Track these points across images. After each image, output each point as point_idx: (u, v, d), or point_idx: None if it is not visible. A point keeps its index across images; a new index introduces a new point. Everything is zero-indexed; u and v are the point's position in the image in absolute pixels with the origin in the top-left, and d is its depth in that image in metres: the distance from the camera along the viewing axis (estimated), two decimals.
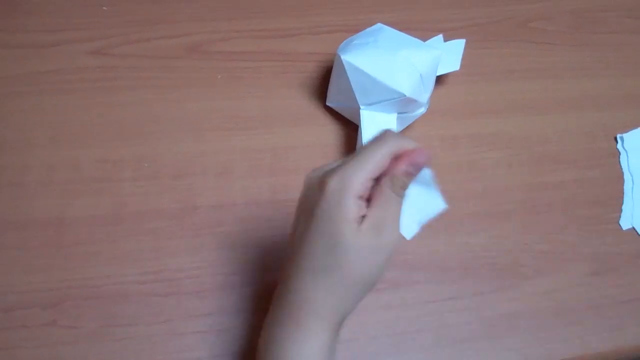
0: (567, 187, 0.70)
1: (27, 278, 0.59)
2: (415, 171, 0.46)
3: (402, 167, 0.45)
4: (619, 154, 0.73)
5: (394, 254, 0.46)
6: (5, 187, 0.63)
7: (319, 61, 0.75)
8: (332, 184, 0.44)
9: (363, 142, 0.63)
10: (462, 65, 0.76)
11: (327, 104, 0.70)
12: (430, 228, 0.64)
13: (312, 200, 0.45)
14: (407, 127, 0.70)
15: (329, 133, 0.70)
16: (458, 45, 0.75)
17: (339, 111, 0.70)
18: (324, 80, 0.74)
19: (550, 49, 0.82)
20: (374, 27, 0.69)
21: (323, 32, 0.78)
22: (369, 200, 0.46)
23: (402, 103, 0.65)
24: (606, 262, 0.66)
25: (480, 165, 0.71)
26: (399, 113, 0.66)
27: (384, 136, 0.46)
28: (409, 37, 0.68)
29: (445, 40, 0.76)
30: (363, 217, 0.45)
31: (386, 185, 0.45)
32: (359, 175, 0.44)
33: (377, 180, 0.46)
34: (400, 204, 0.46)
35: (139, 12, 0.77)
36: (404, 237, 0.49)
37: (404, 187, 0.46)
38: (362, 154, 0.45)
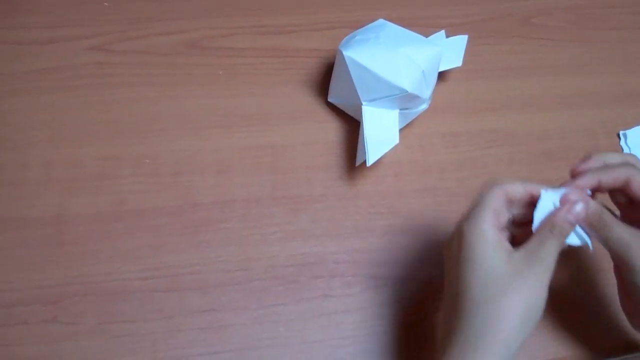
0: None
1: (27, 275, 0.58)
2: (575, 222, 0.49)
3: (561, 215, 0.48)
4: (622, 150, 0.73)
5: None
6: (5, 185, 0.63)
7: (319, 57, 0.75)
8: (466, 224, 0.49)
9: (365, 137, 0.62)
10: (463, 62, 0.76)
11: (329, 100, 0.70)
12: (431, 224, 0.65)
13: (455, 246, 0.49)
14: (409, 124, 0.70)
15: (330, 130, 0.69)
16: (460, 42, 0.74)
17: (341, 107, 0.70)
18: (324, 77, 0.74)
19: (551, 46, 0.82)
20: (375, 22, 0.69)
21: (323, 28, 0.78)
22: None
23: (404, 99, 0.64)
24: (608, 260, 0.66)
25: (481, 162, 0.70)
26: (400, 109, 0.66)
27: (487, 184, 0.51)
28: (411, 33, 0.68)
29: (447, 37, 0.75)
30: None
31: (546, 229, 0.48)
32: (484, 211, 0.48)
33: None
34: (556, 246, 0.48)
35: (138, 8, 0.77)
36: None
37: (566, 234, 0.49)
38: (478, 200, 0.50)
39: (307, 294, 0.60)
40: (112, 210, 0.62)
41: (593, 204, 0.50)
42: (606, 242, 0.51)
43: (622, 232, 0.50)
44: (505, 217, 0.51)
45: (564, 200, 0.50)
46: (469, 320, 0.46)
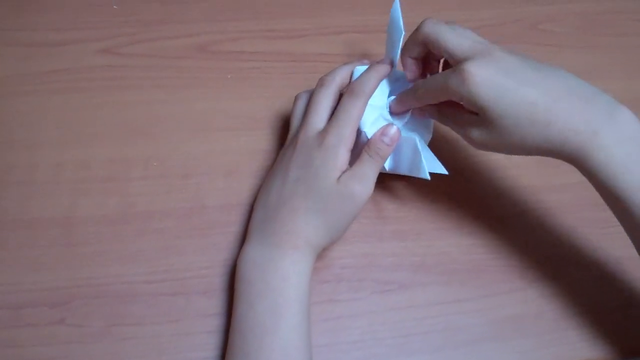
0: (573, 189, 0.70)
1: (35, 277, 0.59)
2: (390, 142, 0.58)
3: (374, 140, 0.58)
4: None
5: (362, 207, 0.56)
6: (14, 186, 0.64)
7: (328, 62, 0.75)
8: (331, 139, 0.56)
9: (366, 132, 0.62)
10: None
11: None
12: (438, 227, 0.65)
13: (311, 153, 0.57)
14: None
15: None
16: None
17: None
18: None
19: (559, 51, 0.82)
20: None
21: (332, 32, 0.78)
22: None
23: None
24: (613, 266, 0.66)
25: (487, 168, 0.70)
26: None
27: (320, 81, 0.62)
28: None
29: None
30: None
31: (364, 149, 0.57)
32: (349, 130, 0.56)
33: None
34: (374, 165, 0.57)
35: (148, 11, 0.77)
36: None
37: (379, 153, 0.57)
38: (312, 104, 0.60)
39: (314, 298, 0.60)
40: (121, 212, 0.63)
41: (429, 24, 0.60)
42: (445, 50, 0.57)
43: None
44: None
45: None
46: (282, 224, 0.56)
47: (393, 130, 0.58)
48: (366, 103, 0.58)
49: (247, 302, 0.54)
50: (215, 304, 0.59)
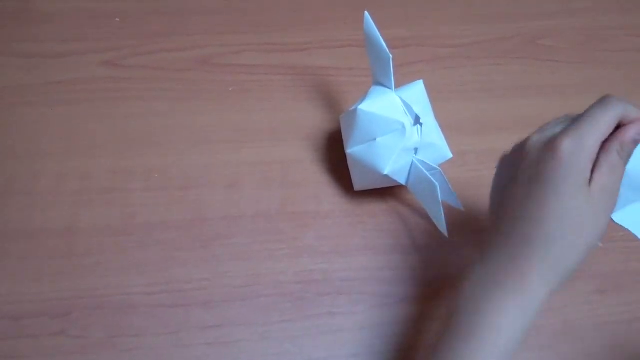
0: None
1: (36, 287, 0.59)
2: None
3: (630, 134, 0.45)
4: None
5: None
6: (16, 196, 0.64)
7: (329, 75, 0.76)
8: (567, 145, 0.44)
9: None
10: (469, 81, 0.77)
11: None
12: (437, 242, 0.65)
13: (539, 165, 0.45)
14: None
15: (339, 147, 0.69)
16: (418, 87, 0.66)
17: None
18: (334, 94, 0.74)
19: (558, 67, 0.82)
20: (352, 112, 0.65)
21: (333, 46, 0.79)
22: None
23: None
24: (613, 280, 0.66)
25: (488, 182, 0.70)
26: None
27: (610, 100, 0.46)
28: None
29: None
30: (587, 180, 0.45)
31: (615, 150, 0.45)
32: (595, 137, 0.44)
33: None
34: (623, 171, 0.46)
35: (150, 24, 0.78)
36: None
37: (629, 155, 0.46)
38: (591, 116, 0.45)
39: (314, 310, 0.60)
40: (122, 224, 0.63)
41: None
42: None
43: None
44: None
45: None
46: (539, 251, 0.45)
47: None
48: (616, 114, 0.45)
49: (456, 327, 0.47)
50: (215, 316, 0.59)
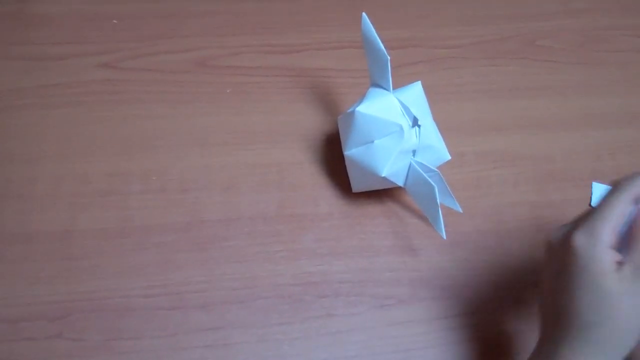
0: (572, 205, 0.70)
1: (33, 290, 0.59)
2: None
3: None
4: None
5: None
6: (13, 199, 0.64)
7: (326, 77, 0.76)
8: (579, 238, 0.45)
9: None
10: (468, 82, 0.77)
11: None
12: (435, 243, 0.65)
13: (560, 261, 0.47)
14: None
15: (337, 149, 0.69)
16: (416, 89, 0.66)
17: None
18: (331, 96, 0.74)
19: (557, 67, 0.82)
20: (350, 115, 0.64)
21: (330, 47, 0.79)
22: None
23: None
24: None
25: (486, 183, 0.71)
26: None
27: (620, 185, 0.47)
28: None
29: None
30: (619, 263, 0.45)
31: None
32: (606, 225, 0.45)
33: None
34: None
35: (148, 26, 0.78)
36: None
37: None
38: (603, 205, 0.46)
39: (312, 312, 0.60)
40: (120, 226, 0.63)
41: None
42: None
43: None
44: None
45: None
46: (576, 337, 0.45)
47: None
48: (626, 199, 0.47)
49: None
50: (212, 318, 0.59)
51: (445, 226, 0.62)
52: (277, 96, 0.74)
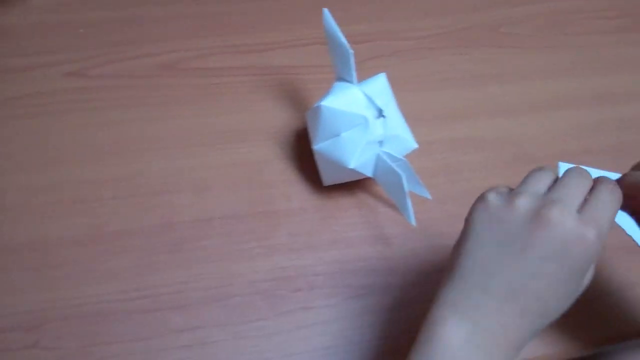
0: None
1: (9, 301, 0.59)
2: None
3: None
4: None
5: None
6: None
7: (295, 74, 0.77)
8: (556, 216, 0.44)
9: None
10: (434, 72, 0.78)
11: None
12: (407, 231, 0.66)
13: (532, 233, 0.45)
14: None
15: (306, 144, 0.70)
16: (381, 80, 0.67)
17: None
18: (301, 93, 0.75)
19: (521, 53, 0.84)
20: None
21: (298, 45, 0.79)
22: None
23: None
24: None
25: (455, 169, 0.71)
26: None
27: (582, 169, 0.50)
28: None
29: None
30: None
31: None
32: (579, 201, 0.47)
33: None
34: (616, 196, 0.48)
35: (114, 33, 0.78)
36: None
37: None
38: (570, 181, 0.48)
39: (288, 307, 0.61)
40: (92, 233, 0.63)
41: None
42: None
43: None
44: None
45: None
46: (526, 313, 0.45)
47: None
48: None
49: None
50: (189, 318, 0.59)
51: (416, 213, 0.63)
52: (245, 95, 0.74)
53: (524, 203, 0.46)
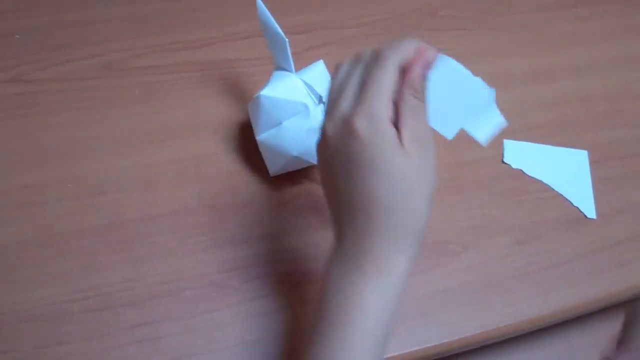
0: (486, 164, 0.73)
1: None
2: (427, 70, 0.45)
3: (416, 72, 0.45)
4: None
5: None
6: None
7: (235, 67, 0.77)
8: (362, 123, 0.43)
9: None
10: None
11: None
12: None
13: (345, 150, 0.44)
14: None
15: (251, 136, 0.70)
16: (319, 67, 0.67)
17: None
18: (242, 86, 0.75)
19: (461, 35, 0.85)
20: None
21: (238, 38, 0.80)
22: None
23: None
24: (529, 231, 0.69)
25: None
26: None
27: (383, 54, 0.45)
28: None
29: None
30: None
31: (410, 95, 0.44)
32: (381, 101, 0.44)
33: None
34: (424, 108, 0.45)
35: (51, 37, 0.77)
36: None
37: (423, 90, 0.45)
38: (372, 81, 0.44)
39: (241, 297, 0.61)
40: (40, 236, 0.62)
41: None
42: None
43: None
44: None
45: (418, 52, 0.46)
46: (382, 224, 0.45)
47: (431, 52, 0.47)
48: (394, 70, 0.45)
49: (325, 313, 0.47)
50: (143, 314, 0.59)
51: None
52: (187, 91, 0.74)
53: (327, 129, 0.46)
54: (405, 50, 0.46)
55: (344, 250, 0.47)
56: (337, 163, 0.46)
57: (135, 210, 0.65)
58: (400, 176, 0.44)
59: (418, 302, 0.63)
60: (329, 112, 0.47)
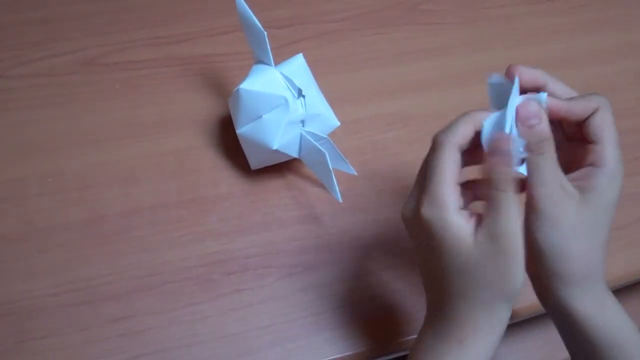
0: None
1: None
2: (506, 157, 0.43)
3: (492, 166, 0.43)
4: None
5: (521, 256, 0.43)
6: None
7: (215, 62, 0.77)
8: (426, 211, 0.44)
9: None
10: (356, 52, 0.79)
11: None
12: (338, 208, 0.67)
13: (419, 236, 0.46)
14: None
15: (231, 130, 0.70)
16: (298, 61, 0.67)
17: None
18: (222, 80, 0.75)
19: (441, 29, 0.86)
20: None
21: (217, 33, 0.80)
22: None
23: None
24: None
25: (382, 145, 0.73)
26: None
27: (438, 140, 0.45)
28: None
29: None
30: (475, 218, 0.44)
31: (489, 189, 0.43)
32: (444, 188, 0.43)
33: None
34: (510, 197, 0.42)
35: (30, 33, 0.77)
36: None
37: (506, 179, 0.43)
38: (430, 169, 0.45)
39: (222, 290, 0.61)
40: (20, 231, 0.62)
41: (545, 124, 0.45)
42: (531, 179, 0.45)
43: (552, 181, 0.45)
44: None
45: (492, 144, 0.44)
46: (445, 311, 0.46)
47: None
48: (450, 154, 0.45)
49: None
50: (123, 308, 0.59)
51: (344, 191, 0.64)
52: (168, 86, 0.74)
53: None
54: (457, 130, 0.45)
55: (432, 332, 0.47)
56: (416, 243, 0.48)
57: (116, 204, 0.65)
58: (469, 263, 0.43)
59: (397, 294, 0.64)
60: (410, 194, 0.48)
